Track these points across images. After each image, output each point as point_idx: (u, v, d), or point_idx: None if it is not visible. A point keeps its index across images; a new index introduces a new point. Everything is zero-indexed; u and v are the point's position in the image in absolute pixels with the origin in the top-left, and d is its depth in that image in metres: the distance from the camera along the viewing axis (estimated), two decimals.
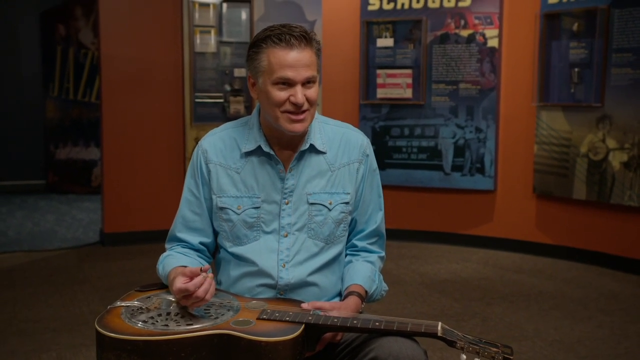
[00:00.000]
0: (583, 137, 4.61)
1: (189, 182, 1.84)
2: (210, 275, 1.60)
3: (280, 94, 1.66)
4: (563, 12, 4.67)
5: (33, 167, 7.71)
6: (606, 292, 4.09)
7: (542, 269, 4.62)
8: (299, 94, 1.65)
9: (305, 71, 1.66)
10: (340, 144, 1.82)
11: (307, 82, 1.67)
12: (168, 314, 1.62)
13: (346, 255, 1.90)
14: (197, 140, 5.19)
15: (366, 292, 1.79)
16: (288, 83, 1.66)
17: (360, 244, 1.89)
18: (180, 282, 1.59)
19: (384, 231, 1.93)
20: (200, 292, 1.56)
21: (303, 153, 1.78)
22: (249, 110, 5.25)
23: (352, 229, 1.88)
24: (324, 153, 1.80)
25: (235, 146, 1.80)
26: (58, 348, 3.15)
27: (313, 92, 1.69)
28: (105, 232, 5.19)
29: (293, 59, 1.64)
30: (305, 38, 1.66)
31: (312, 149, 1.79)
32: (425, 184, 5.29)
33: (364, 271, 1.82)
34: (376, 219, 1.88)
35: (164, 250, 1.91)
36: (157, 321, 1.58)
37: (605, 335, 3.38)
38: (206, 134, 1.86)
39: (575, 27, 4.61)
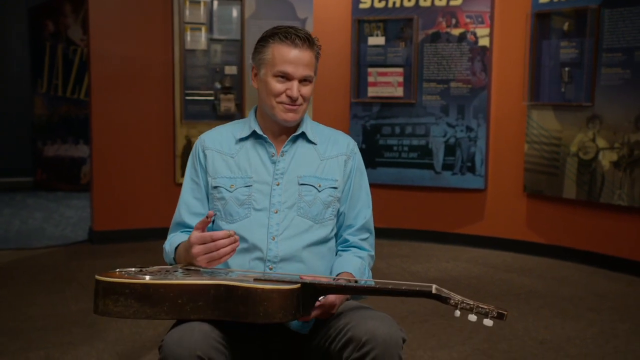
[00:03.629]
0: (573, 136, 4.62)
1: (189, 171, 1.94)
2: (237, 237, 1.68)
3: (278, 86, 1.82)
4: (554, 12, 4.68)
5: (21, 165, 7.64)
6: (596, 291, 4.11)
7: (533, 268, 4.64)
8: (295, 89, 1.81)
9: (304, 70, 1.82)
10: (329, 141, 1.95)
11: (303, 80, 1.83)
12: (167, 271, 1.66)
13: (337, 252, 1.94)
14: (187, 137, 5.17)
15: (356, 281, 1.81)
16: (286, 77, 1.81)
17: (352, 238, 1.94)
18: (198, 233, 1.68)
19: (373, 228, 1.99)
20: (220, 243, 1.64)
21: (296, 138, 1.90)
22: (239, 108, 5.23)
23: (342, 223, 1.94)
24: (314, 144, 1.92)
25: (232, 136, 1.93)
26: (46, 347, 3.12)
27: (308, 90, 1.85)
28: (95, 230, 5.16)
29: (294, 57, 1.81)
30: (309, 40, 1.83)
31: (304, 137, 1.91)
32: (416, 182, 5.29)
33: (355, 263, 1.87)
34: (365, 215, 1.96)
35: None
36: (156, 276, 1.61)
37: (595, 334, 3.39)
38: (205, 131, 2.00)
39: (565, 26, 4.62)
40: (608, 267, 4.54)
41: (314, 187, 1.86)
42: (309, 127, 1.93)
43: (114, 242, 5.10)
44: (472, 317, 1.53)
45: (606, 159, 4.46)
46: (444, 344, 3.20)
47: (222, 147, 1.90)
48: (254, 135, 1.89)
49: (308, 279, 1.64)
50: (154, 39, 5.14)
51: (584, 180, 4.59)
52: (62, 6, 7.25)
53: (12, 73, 7.62)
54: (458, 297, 1.54)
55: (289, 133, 1.90)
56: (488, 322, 1.52)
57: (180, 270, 1.68)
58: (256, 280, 1.59)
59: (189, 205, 1.90)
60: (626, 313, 3.71)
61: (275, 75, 1.81)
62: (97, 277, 1.57)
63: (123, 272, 1.64)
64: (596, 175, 4.52)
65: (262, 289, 1.50)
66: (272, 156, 1.87)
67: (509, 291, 4.09)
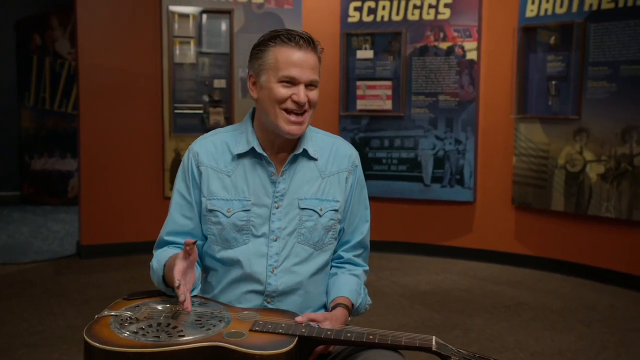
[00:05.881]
0: (561, 149, 4.66)
1: (179, 185, 1.81)
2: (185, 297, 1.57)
3: (283, 91, 1.69)
4: (540, 26, 4.73)
5: (8, 178, 7.58)
6: (585, 303, 4.13)
7: (522, 280, 4.65)
8: (302, 93, 1.69)
9: (310, 73, 1.71)
10: (330, 153, 1.84)
11: (309, 85, 1.71)
12: (159, 324, 1.59)
13: (331, 267, 1.88)
14: (176, 151, 5.15)
15: (352, 304, 1.78)
16: (292, 82, 1.69)
17: (346, 255, 1.88)
18: (181, 266, 1.58)
19: (368, 243, 1.93)
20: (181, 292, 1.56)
21: (296, 157, 1.78)
22: (229, 121, 5.22)
23: (339, 239, 1.87)
24: (315, 160, 1.81)
25: (227, 150, 1.79)
26: None
27: (314, 94, 1.72)
28: (82, 244, 5.12)
29: (300, 59, 1.70)
30: (312, 42, 1.73)
31: (305, 154, 1.80)
32: (405, 195, 5.30)
33: (351, 284, 1.81)
34: (362, 230, 1.89)
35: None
36: (147, 332, 1.55)
37: (585, 346, 3.40)
38: (196, 139, 1.85)
39: (552, 40, 4.67)
40: (596, 279, 4.57)
41: (315, 211, 1.77)
42: (311, 139, 1.81)
43: (102, 256, 5.06)
44: None
45: (593, 172, 4.49)
46: (435, 357, 3.19)
47: (217, 164, 1.77)
48: (252, 152, 1.76)
49: (303, 323, 1.58)
50: (143, 52, 5.13)
51: (571, 192, 4.62)
52: (50, 19, 7.23)
53: None
54: (458, 356, 1.50)
55: (290, 147, 1.78)
56: None
57: (171, 319, 1.61)
58: (252, 332, 1.54)
59: (177, 224, 1.80)
60: (615, 325, 3.73)
61: (280, 81, 1.69)
62: (87, 338, 1.50)
63: (112, 318, 1.59)
64: (584, 187, 4.55)
65: (260, 355, 1.45)
66: (272, 175, 1.76)
67: (499, 303, 4.10)
